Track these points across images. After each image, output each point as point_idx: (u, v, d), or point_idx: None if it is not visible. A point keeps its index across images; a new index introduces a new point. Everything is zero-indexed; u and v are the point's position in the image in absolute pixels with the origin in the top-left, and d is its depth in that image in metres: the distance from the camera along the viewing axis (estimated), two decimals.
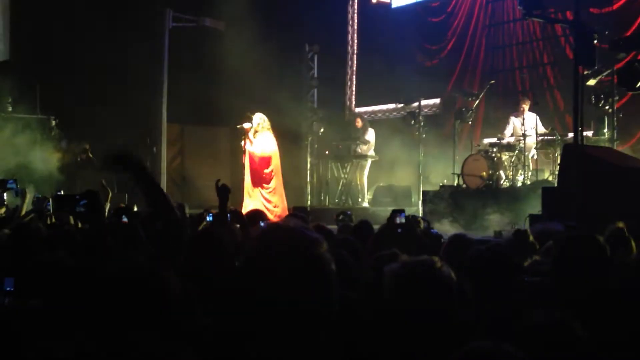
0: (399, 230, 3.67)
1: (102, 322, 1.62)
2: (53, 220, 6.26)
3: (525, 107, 11.81)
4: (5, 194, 7.14)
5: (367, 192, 14.03)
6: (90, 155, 13.80)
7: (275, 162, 12.24)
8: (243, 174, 12.52)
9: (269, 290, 1.57)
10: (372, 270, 3.08)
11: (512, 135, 11.91)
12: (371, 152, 13.93)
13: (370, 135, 13.95)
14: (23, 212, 6.39)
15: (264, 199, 12.07)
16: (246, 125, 12.19)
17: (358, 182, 13.93)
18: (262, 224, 6.06)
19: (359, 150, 13.97)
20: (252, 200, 12.11)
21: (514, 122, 11.91)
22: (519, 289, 3.04)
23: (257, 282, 1.59)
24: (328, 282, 1.62)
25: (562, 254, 3.08)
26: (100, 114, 13.04)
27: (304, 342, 1.57)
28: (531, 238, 4.62)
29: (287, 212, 11.90)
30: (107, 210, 6.98)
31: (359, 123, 14.26)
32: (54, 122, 13.49)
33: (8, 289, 2.63)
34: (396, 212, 3.79)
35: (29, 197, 6.87)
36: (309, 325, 1.58)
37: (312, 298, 1.58)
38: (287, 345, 1.56)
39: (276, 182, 12.26)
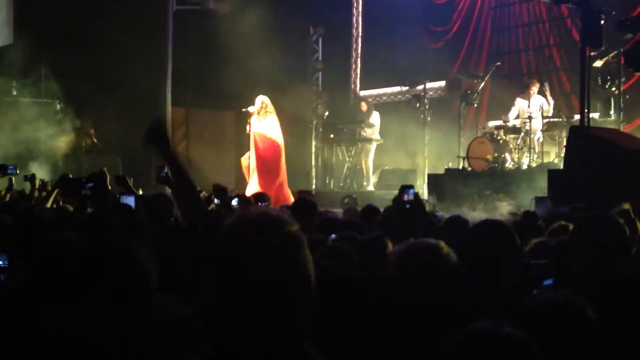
0: (407, 206, 3.65)
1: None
2: (61, 203, 6.27)
3: (534, 89, 11.74)
4: (13, 179, 7.19)
5: (372, 175, 14.01)
6: (95, 141, 13.80)
7: (279, 146, 12.22)
8: (248, 158, 12.52)
9: (242, 266, 1.60)
10: (360, 253, 3.08)
11: (517, 117, 11.86)
12: (376, 136, 13.90)
13: (375, 118, 13.92)
14: (35, 198, 6.40)
15: (265, 182, 12.07)
16: (251, 108, 12.18)
17: (363, 166, 13.92)
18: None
19: (364, 134, 13.94)
20: (254, 182, 12.12)
21: (520, 104, 11.85)
22: (522, 272, 3.02)
23: (231, 259, 1.62)
24: (299, 258, 1.64)
25: (580, 234, 3.05)
26: (104, 98, 13.02)
27: (280, 315, 1.59)
28: (540, 220, 4.61)
29: (289, 196, 11.92)
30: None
31: (363, 106, 14.23)
32: (58, 106, 13.49)
33: (2, 265, 2.64)
34: (405, 188, 3.74)
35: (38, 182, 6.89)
36: (284, 299, 1.60)
37: (284, 275, 1.60)
38: (261, 318, 1.59)
39: (279, 166, 12.26)
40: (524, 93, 11.92)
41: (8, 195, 6.83)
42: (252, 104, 12.26)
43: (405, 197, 3.69)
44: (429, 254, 2.24)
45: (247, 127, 12.49)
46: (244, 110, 12.38)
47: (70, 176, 6.28)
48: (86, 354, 1.32)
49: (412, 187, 3.81)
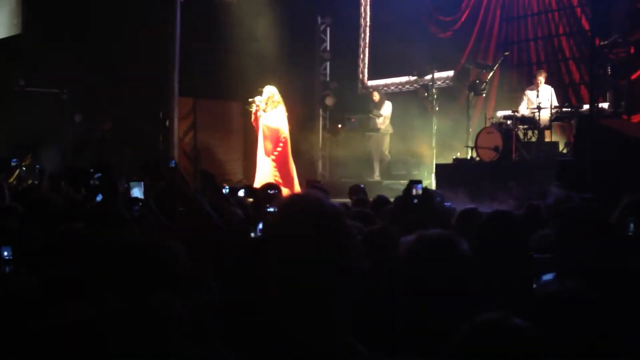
0: (415, 201, 3.65)
1: (117, 286, 1.64)
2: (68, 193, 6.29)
3: (541, 79, 11.70)
4: (24, 169, 7.26)
5: (380, 165, 14.01)
6: (104, 130, 13.81)
7: (286, 137, 12.22)
8: (256, 147, 12.51)
9: (290, 259, 1.58)
10: (364, 245, 3.08)
11: (526, 109, 11.83)
12: (388, 126, 13.90)
13: (386, 108, 13.91)
14: (43, 189, 6.43)
15: (272, 170, 12.08)
16: (257, 99, 12.16)
17: (378, 155, 13.90)
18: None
19: (377, 124, 13.94)
20: (262, 171, 12.13)
21: (529, 95, 11.81)
22: (526, 265, 3.02)
23: (279, 250, 1.60)
24: (351, 252, 1.63)
25: (564, 227, 3.05)
26: (112, 88, 13.04)
27: (324, 311, 1.58)
28: (543, 212, 4.59)
29: (297, 186, 11.92)
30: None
31: (375, 96, 14.21)
32: (66, 97, 13.52)
33: (7, 257, 2.66)
34: (413, 183, 3.75)
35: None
36: (329, 295, 1.58)
37: (335, 267, 1.58)
38: (304, 314, 1.57)
39: (285, 157, 12.26)
40: (532, 84, 11.88)
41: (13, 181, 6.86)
42: (259, 94, 12.24)
43: (414, 192, 3.70)
44: (441, 244, 2.24)
45: (252, 118, 12.47)
46: (250, 100, 12.35)
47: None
48: (97, 346, 1.32)
49: (420, 182, 3.81)
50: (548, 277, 2.53)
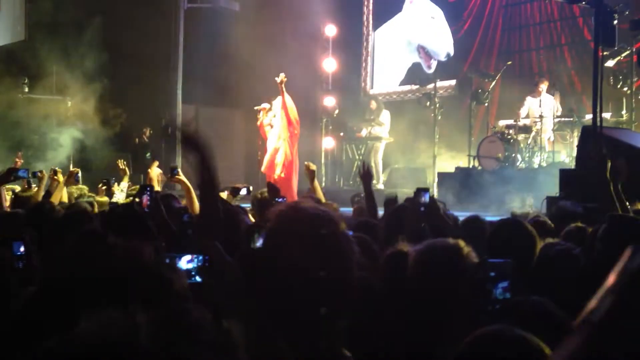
0: (422, 209, 3.64)
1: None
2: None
3: (544, 88, 11.72)
4: (31, 180, 7.28)
5: (382, 173, 13.99)
6: (146, 140, 13.82)
7: (293, 147, 12.20)
8: (257, 154, 12.47)
9: (287, 268, 1.57)
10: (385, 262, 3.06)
11: (527, 116, 11.82)
12: (385, 134, 13.88)
13: (385, 117, 13.90)
14: (41, 194, 6.42)
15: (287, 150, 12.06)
16: (266, 105, 12.15)
17: (372, 164, 13.89)
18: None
19: (374, 132, 13.93)
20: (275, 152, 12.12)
21: (530, 102, 11.82)
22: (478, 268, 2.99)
23: (275, 260, 1.59)
24: (346, 260, 1.62)
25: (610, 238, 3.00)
26: (115, 95, 13.06)
27: (324, 321, 1.57)
28: (549, 223, 4.56)
29: (295, 194, 11.91)
30: (123, 189, 7.23)
31: (373, 105, 14.21)
32: (69, 103, 13.54)
33: (18, 253, 2.67)
34: (420, 191, 3.73)
35: (46, 178, 6.95)
36: (328, 304, 1.57)
37: (331, 275, 1.58)
38: (305, 324, 1.56)
39: (291, 167, 12.25)
40: (534, 92, 11.89)
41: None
42: (261, 102, 12.23)
43: (422, 200, 3.68)
44: (449, 254, 2.23)
45: (258, 122, 12.45)
46: (256, 108, 12.33)
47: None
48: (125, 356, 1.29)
49: (427, 190, 3.80)
50: (504, 284, 2.45)
